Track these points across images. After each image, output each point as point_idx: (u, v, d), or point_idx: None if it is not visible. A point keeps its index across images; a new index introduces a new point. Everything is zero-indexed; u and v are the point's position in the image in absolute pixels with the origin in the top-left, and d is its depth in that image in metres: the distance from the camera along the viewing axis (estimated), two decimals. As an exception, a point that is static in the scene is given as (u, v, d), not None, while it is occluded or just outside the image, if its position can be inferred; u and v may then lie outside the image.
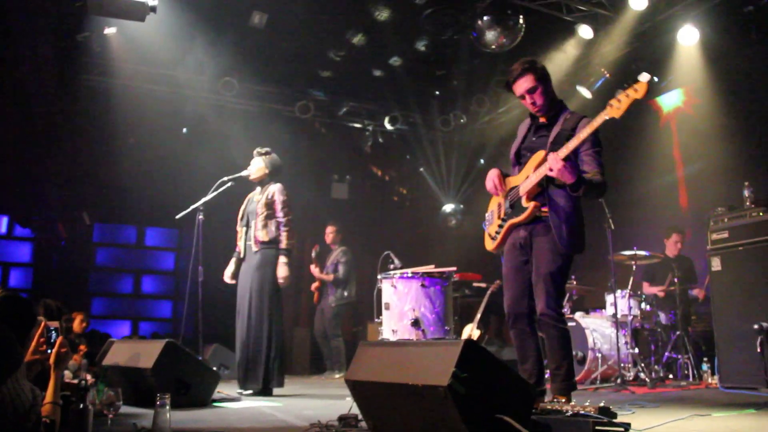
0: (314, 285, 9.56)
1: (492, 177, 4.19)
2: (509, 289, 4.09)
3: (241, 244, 6.20)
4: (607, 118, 3.66)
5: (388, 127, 11.13)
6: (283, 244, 6.10)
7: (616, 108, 3.62)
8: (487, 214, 4.36)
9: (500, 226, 4.15)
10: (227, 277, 6.28)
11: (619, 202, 7.80)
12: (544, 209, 3.93)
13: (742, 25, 7.56)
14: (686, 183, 8.35)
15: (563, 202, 3.87)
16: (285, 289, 6.23)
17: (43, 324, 2.79)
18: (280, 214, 6.12)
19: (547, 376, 4.10)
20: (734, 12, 7.51)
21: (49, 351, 2.78)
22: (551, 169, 3.73)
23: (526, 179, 4.00)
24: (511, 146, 4.31)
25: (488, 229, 4.28)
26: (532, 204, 3.95)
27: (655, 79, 8.72)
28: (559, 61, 8.77)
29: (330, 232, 9.66)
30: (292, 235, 6.14)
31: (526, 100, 4.07)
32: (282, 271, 6.06)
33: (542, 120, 4.11)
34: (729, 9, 7.52)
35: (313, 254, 9.50)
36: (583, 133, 3.74)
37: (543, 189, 3.95)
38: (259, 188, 6.28)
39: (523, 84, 4.01)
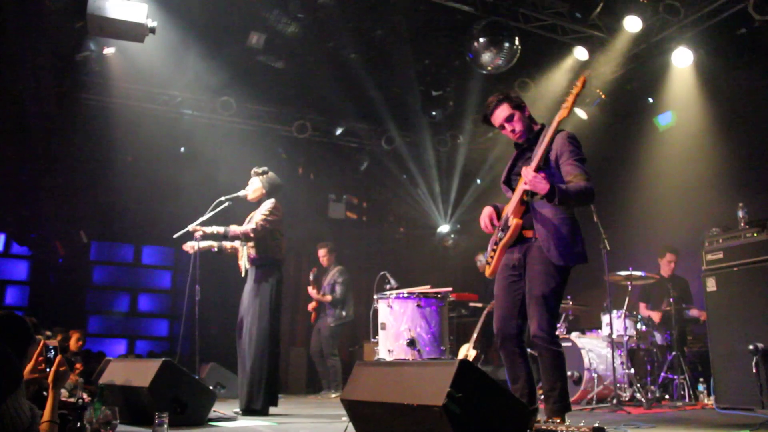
0: (311, 305, 9.56)
1: (484, 217, 4.23)
2: (498, 308, 4.09)
3: (241, 263, 6.20)
4: (559, 120, 3.86)
5: (385, 147, 11.17)
6: (237, 229, 5.94)
7: (564, 108, 3.83)
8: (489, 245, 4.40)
9: (494, 251, 4.19)
10: (187, 245, 6.08)
11: (614, 222, 7.83)
12: (537, 232, 3.96)
13: (736, 47, 7.64)
14: (681, 204, 8.40)
15: (549, 215, 3.91)
16: (281, 309, 6.21)
17: (42, 343, 2.81)
18: (257, 217, 6.01)
19: (542, 398, 4.11)
20: (728, 34, 7.59)
21: (47, 369, 2.80)
22: (526, 183, 3.81)
23: (512, 200, 4.07)
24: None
25: (486, 257, 4.32)
26: (515, 221, 3.99)
27: (650, 100, 8.81)
28: (555, 82, 8.85)
29: (323, 256, 9.67)
30: (248, 235, 5.92)
31: (506, 130, 4.14)
32: (198, 232, 5.93)
33: (526, 144, 4.18)
34: (722, 31, 7.61)
35: (311, 277, 9.50)
36: (545, 140, 3.86)
37: (527, 206, 3.99)
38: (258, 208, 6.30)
39: (500, 114, 4.10)
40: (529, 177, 3.77)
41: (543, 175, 3.77)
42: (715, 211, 7.30)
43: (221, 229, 6.00)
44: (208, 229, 5.99)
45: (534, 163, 3.82)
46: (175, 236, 6.17)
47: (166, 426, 2.79)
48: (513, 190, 4.20)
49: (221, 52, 8.67)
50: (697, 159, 8.24)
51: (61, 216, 10.19)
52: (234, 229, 5.99)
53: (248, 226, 6.00)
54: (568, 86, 8.90)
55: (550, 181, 3.75)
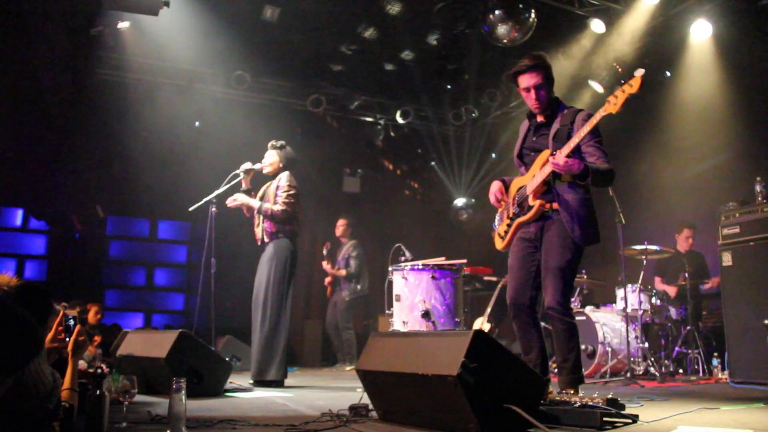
0: (327, 280, 9.62)
1: (493, 191, 4.27)
2: (513, 279, 4.14)
3: (257, 230, 6.24)
4: (604, 114, 3.74)
5: (400, 120, 11.14)
6: (268, 206, 6.05)
7: (613, 104, 3.70)
8: (497, 215, 4.41)
9: (509, 225, 4.20)
10: (229, 200, 6.26)
11: (630, 196, 7.79)
12: (555, 206, 3.97)
13: (756, 20, 7.51)
14: (698, 178, 8.33)
15: (571, 197, 3.93)
16: (297, 283, 6.25)
17: (61, 313, 2.85)
18: (279, 198, 6.07)
19: (555, 370, 4.14)
20: (748, 6, 7.48)
21: (67, 339, 2.84)
22: (559, 169, 3.79)
23: (532, 178, 4.05)
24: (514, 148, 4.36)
25: (498, 229, 4.34)
26: (537, 202, 4.01)
27: (667, 73, 8.70)
28: (571, 55, 8.76)
29: (341, 225, 9.72)
30: (278, 216, 6.03)
31: (529, 94, 4.09)
32: (240, 198, 6.16)
33: (541, 119, 4.16)
34: (742, 3, 7.50)
35: (325, 251, 9.55)
36: (583, 131, 3.80)
37: (549, 187, 4.00)
38: (273, 180, 6.31)
39: (530, 78, 4.05)
40: (561, 163, 3.74)
41: (574, 157, 3.79)
42: (733, 185, 7.24)
43: (256, 204, 6.08)
44: (245, 198, 6.15)
45: (566, 150, 3.79)
46: (190, 209, 6.21)
47: (183, 391, 2.81)
48: (525, 164, 4.19)
49: (235, 26, 8.64)
50: (714, 133, 8.16)
51: (78, 191, 10.25)
52: (267, 206, 6.06)
53: (277, 206, 6.04)
54: (585, 60, 8.84)
55: (581, 163, 3.76)
